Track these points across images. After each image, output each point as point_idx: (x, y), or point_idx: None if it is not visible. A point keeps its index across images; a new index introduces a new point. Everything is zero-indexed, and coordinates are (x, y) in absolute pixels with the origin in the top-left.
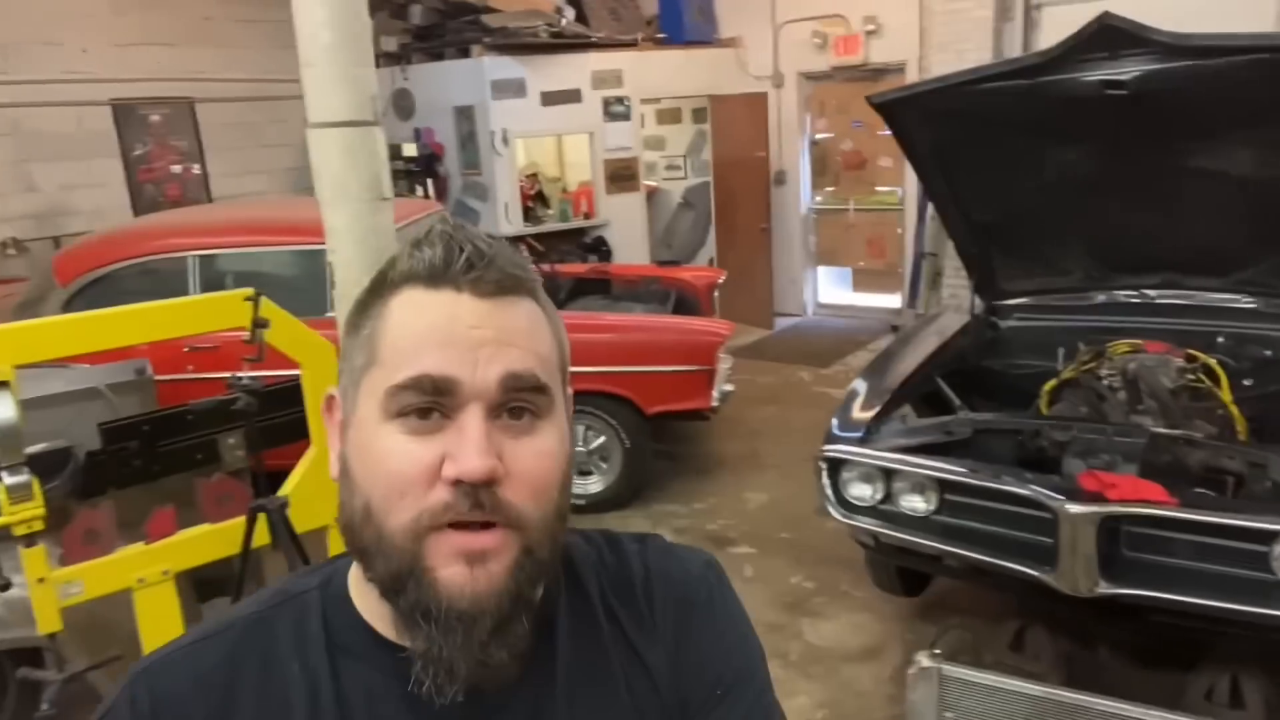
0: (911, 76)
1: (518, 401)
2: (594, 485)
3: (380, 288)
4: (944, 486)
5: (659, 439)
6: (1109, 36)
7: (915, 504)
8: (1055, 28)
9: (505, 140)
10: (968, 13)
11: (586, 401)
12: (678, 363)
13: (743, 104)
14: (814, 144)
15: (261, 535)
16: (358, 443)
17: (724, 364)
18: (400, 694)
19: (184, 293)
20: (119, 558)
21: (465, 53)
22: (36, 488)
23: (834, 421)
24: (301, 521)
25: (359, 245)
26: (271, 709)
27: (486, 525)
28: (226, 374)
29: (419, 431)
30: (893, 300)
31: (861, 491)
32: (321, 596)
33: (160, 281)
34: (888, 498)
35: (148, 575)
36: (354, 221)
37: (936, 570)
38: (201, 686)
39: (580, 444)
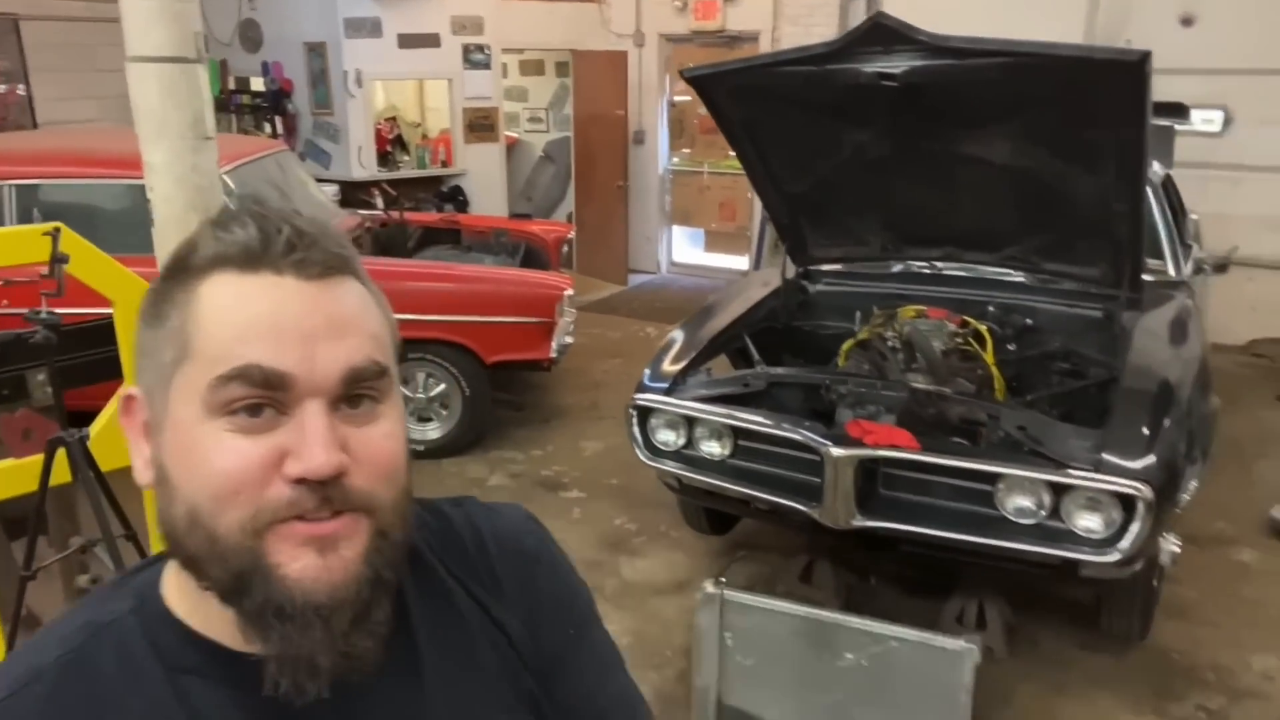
0: (765, 46)
1: (358, 391)
2: (433, 432)
3: (181, 274)
4: (737, 433)
5: (504, 388)
6: (881, 33)
7: (713, 449)
8: (895, 8)
9: (359, 81)
10: None
11: (427, 349)
12: (517, 314)
13: (604, 60)
14: (672, 105)
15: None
16: (176, 446)
17: (565, 317)
18: (259, 703)
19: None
20: None
21: None
22: None
23: (646, 372)
24: (112, 459)
25: (179, 183)
26: None
27: (335, 513)
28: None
29: (250, 430)
30: (742, 262)
31: (666, 437)
32: (140, 619)
33: None
34: (689, 443)
35: None
36: (174, 159)
37: (737, 511)
38: None
39: (420, 391)
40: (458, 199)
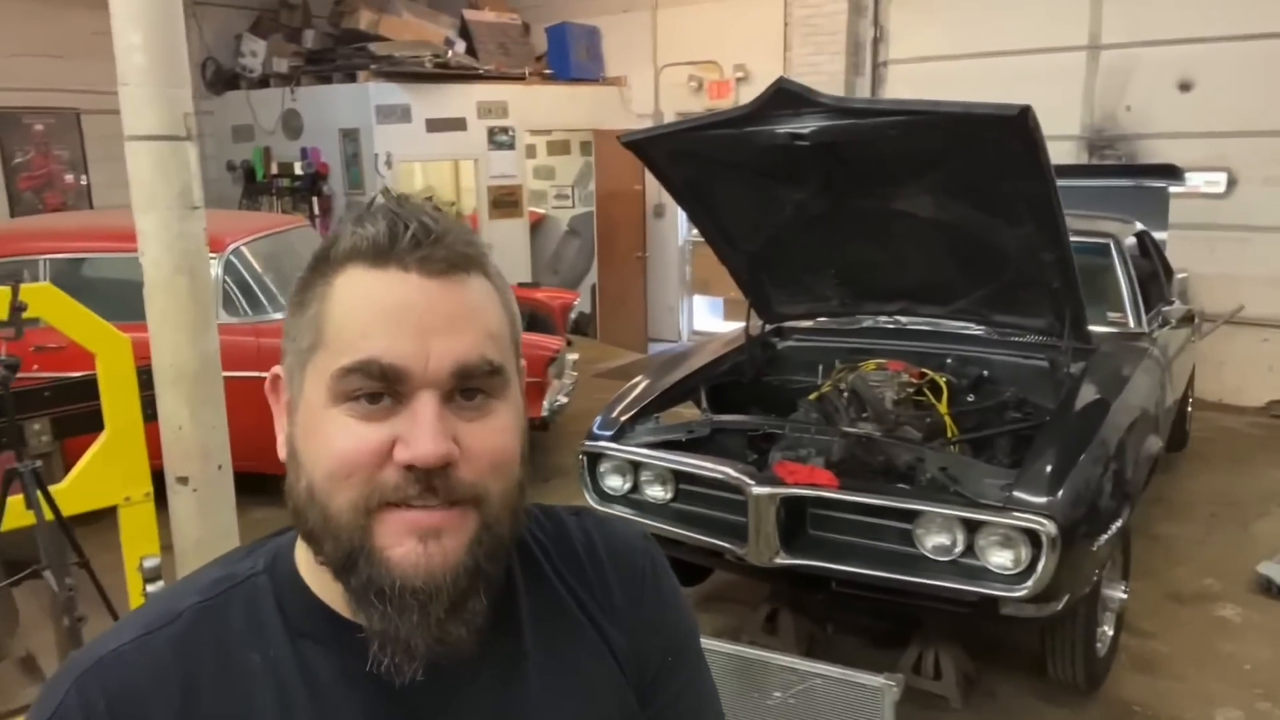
0: None
1: (471, 385)
2: None
3: (323, 266)
4: (679, 477)
5: None
6: (785, 97)
7: (656, 493)
8: (900, 82)
9: (389, 163)
10: (823, 66)
11: None
12: None
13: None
14: None
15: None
16: (305, 426)
17: (561, 379)
18: (364, 675)
19: None
20: None
21: (353, 78)
22: None
23: (597, 420)
24: (88, 500)
25: (167, 249)
26: (234, 702)
27: (447, 504)
28: (76, 373)
29: (368, 416)
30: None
31: (614, 482)
32: (271, 580)
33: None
34: (635, 488)
35: None
36: (162, 228)
37: (699, 560)
38: (158, 681)
39: None
40: None
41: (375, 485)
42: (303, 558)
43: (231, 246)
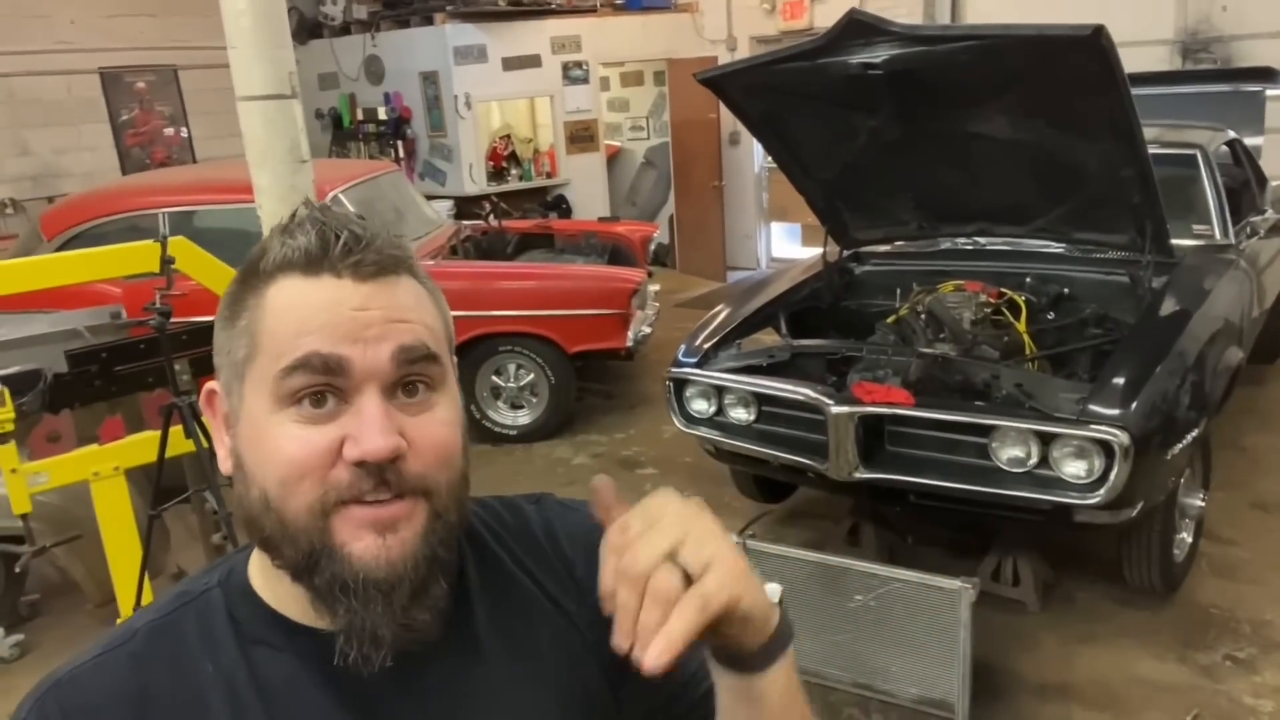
0: None
1: (412, 376)
2: (524, 418)
3: (252, 279)
4: (761, 400)
5: (596, 379)
6: (858, 28)
7: (740, 415)
8: (983, 1)
9: (468, 104)
10: None
11: (516, 342)
12: (593, 306)
13: (697, 67)
14: None
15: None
16: (249, 436)
17: (645, 309)
18: (323, 675)
19: None
20: (77, 455)
21: (430, 20)
22: (8, 397)
23: (681, 348)
24: None
25: (281, 201)
26: (188, 713)
27: (394, 497)
28: (198, 318)
29: (314, 419)
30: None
31: (700, 406)
32: (224, 593)
33: (136, 236)
34: (720, 411)
35: (101, 470)
36: (276, 181)
37: (781, 477)
38: (113, 699)
39: (511, 380)
40: (561, 207)
41: (328, 486)
42: (256, 568)
43: (331, 194)
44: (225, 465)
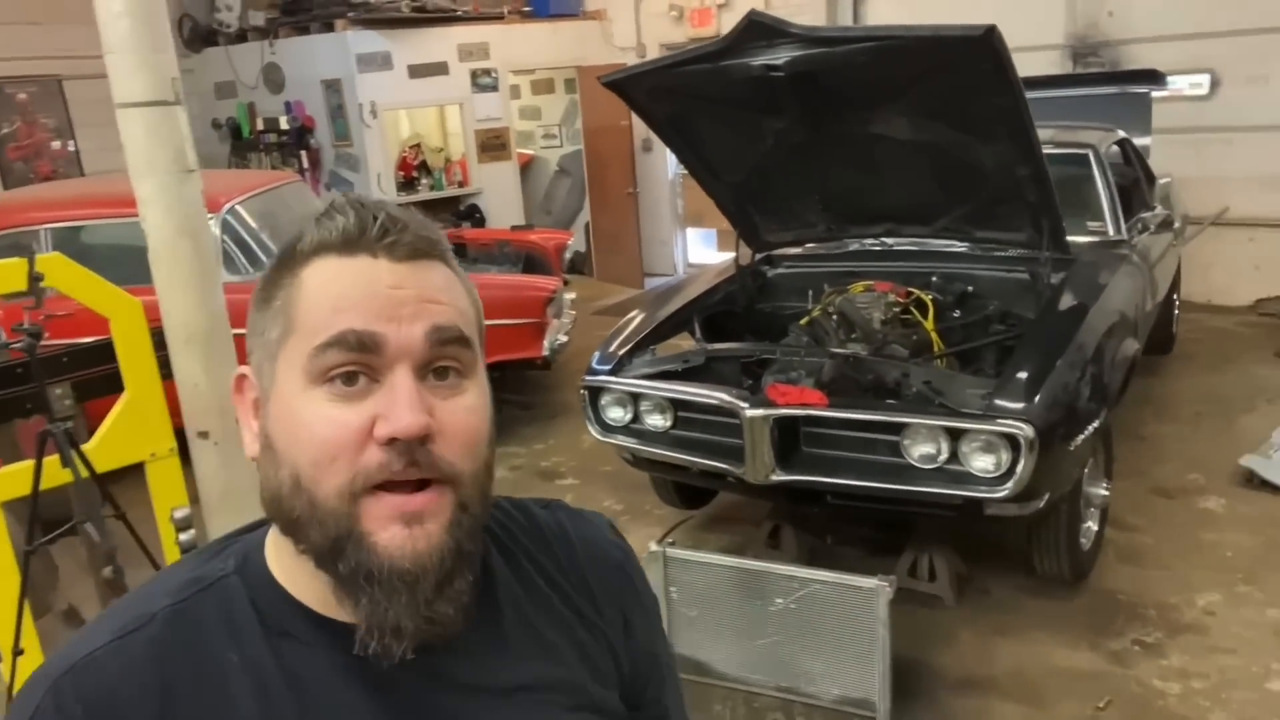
0: None
1: (443, 359)
2: None
3: (288, 260)
4: (676, 406)
5: (515, 390)
6: (758, 29)
7: (656, 421)
8: (885, 3)
9: (374, 112)
10: None
11: None
12: (508, 316)
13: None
14: None
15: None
16: (280, 414)
17: (560, 318)
18: (348, 665)
19: None
20: None
21: (330, 27)
22: None
23: (595, 355)
24: (116, 458)
25: (167, 213)
26: (213, 704)
27: (420, 485)
28: (86, 339)
29: (346, 397)
30: None
31: (616, 414)
32: (243, 580)
33: (19, 254)
34: (636, 418)
35: None
36: (161, 192)
37: (700, 483)
38: (134, 685)
39: None
40: (474, 216)
41: (360, 468)
42: (274, 556)
43: (227, 206)
44: (252, 449)
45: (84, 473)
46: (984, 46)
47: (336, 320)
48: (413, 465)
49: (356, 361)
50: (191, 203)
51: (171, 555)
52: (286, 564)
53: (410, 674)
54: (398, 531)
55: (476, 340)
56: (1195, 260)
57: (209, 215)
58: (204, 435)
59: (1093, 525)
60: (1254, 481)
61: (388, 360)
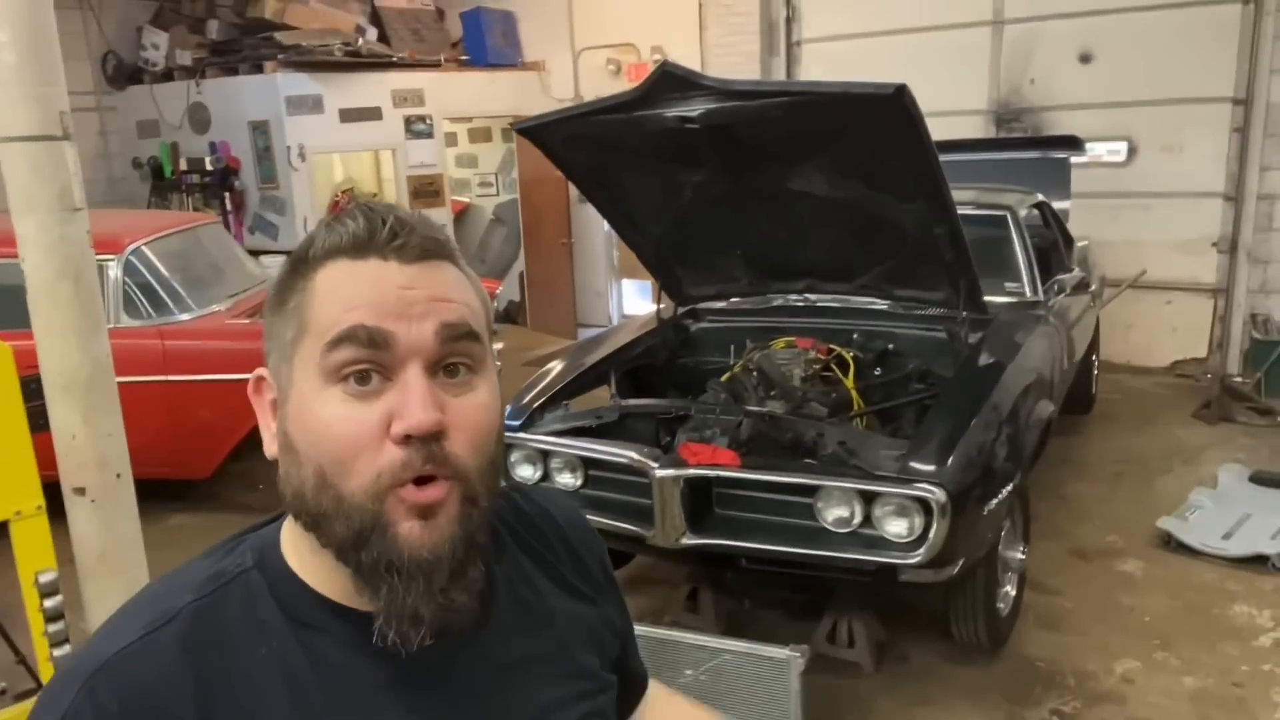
0: None
1: (454, 356)
2: None
3: (301, 265)
4: (587, 464)
5: None
6: (671, 81)
7: (566, 480)
8: (814, 61)
9: (302, 155)
10: (738, 46)
11: None
12: None
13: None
14: None
15: None
16: (298, 414)
17: None
18: (372, 653)
19: None
20: None
21: (260, 69)
22: None
23: (507, 409)
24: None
25: (48, 254)
26: (247, 697)
27: (430, 479)
28: None
29: (360, 395)
30: None
31: (525, 471)
32: (263, 575)
33: None
34: (546, 476)
35: None
36: (42, 232)
37: (608, 544)
38: (168, 680)
39: None
40: None
41: (381, 469)
42: (291, 550)
43: (131, 247)
44: (271, 449)
45: None
46: (895, 105)
47: (347, 317)
48: (430, 460)
49: (368, 359)
50: (76, 243)
51: (36, 622)
52: (305, 557)
53: (434, 661)
54: (414, 524)
55: (487, 336)
56: (1116, 322)
57: (110, 256)
58: (80, 492)
59: (1010, 590)
60: (1170, 544)
61: (399, 358)
